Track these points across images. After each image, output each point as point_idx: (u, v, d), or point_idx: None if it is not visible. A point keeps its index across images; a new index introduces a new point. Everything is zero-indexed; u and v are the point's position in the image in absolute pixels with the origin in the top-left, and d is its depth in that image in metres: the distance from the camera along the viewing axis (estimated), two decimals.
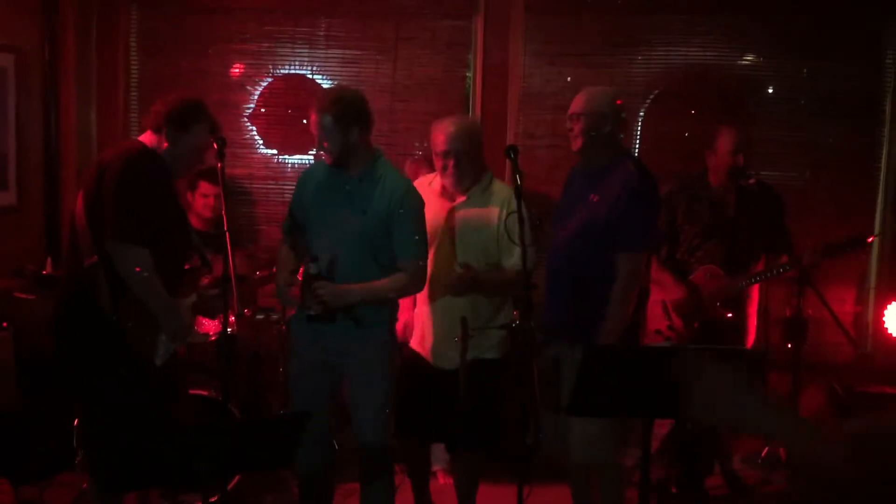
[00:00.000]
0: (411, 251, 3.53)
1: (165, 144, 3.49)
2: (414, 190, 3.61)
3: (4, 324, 4.28)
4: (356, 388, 3.61)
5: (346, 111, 3.43)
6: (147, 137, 3.53)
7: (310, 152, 5.50)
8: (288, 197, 5.48)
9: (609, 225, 3.60)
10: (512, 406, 3.79)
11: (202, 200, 4.74)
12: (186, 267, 3.69)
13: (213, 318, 4.24)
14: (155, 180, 3.43)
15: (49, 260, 4.96)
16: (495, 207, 3.78)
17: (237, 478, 4.19)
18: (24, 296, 4.52)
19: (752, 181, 4.35)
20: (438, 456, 4.60)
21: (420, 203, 3.58)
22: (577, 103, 3.75)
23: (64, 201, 5.33)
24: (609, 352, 3.26)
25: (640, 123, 5.34)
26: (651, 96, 5.34)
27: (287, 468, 4.30)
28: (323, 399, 3.61)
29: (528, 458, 3.35)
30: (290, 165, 5.55)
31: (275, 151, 5.55)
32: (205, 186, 4.70)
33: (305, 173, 3.80)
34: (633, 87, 5.30)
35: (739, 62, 5.38)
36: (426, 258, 3.62)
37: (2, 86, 4.94)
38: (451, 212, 3.81)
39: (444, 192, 3.84)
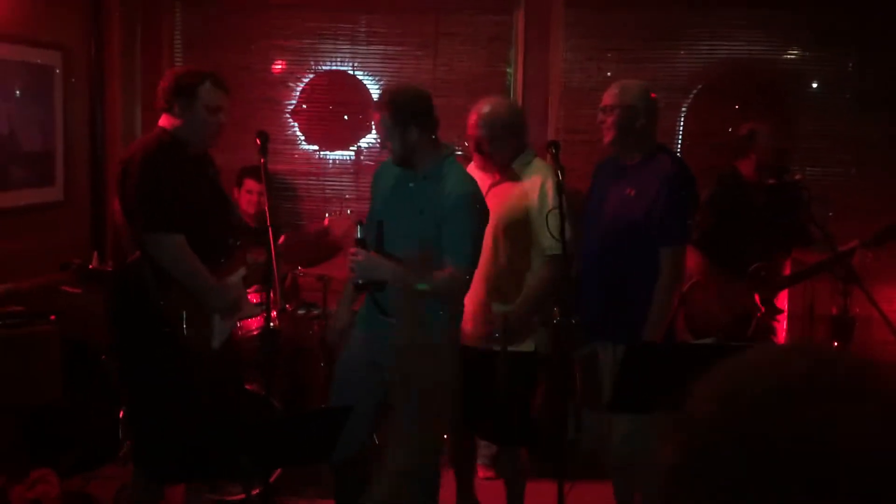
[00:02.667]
0: (455, 256, 3.36)
1: (181, 119, 3.48)
2: (474, 195, 3.42)
3: (52, 317, 4.35)
4: (402, 385, 3.49)
5: (404, 110, 3.36)
6: (164, 120, 3.54)
7: (351, 148, 5.53)
8: (329, 193, 5.58)
9: (649, 219, 3.57)
10: (551, 402, 3.78)
11: (247, 197, 4.77)
12: (231, 242, 3.69)
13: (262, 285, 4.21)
14: (175, 164, 3.43)
15: (95, 254, 5.03)
16: (534, 184, 3.68)
17: (279, 470, 4.22)
18: (70, 289, 4.59)
19: (798, 177, 4.29)
20: (480, 450, 4.59)
21: (477, 210, 3.41)
22: (610, 96, 3.72)
23: (109, 196, 5.41)
24: (652, 348, 3.24)
25: (682, 119, 5.30)
26: (694, 91, 5.29)
27: (327, 462, 4.33)
28: (365, 394, 3.56)
29: (569, 455, 3.34)
30: (331, 161, 5.58)
31: (316, 147, 5.58)
32: (249, 183, 4.74)
33: (379, 168, 3.72)
34: (675, 82, 5.25)
35: (783, 56, 5.30)
36: (471, 266, 3.43)
37: (49, 83, 5.02)
38: (487, 190, 3.76)
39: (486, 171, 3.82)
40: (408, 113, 3.37)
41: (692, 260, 4.06)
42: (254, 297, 4.35)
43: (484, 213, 3.47)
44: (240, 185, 4.81)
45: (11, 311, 4.33)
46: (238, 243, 3.70)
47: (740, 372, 0.85)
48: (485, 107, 3.76)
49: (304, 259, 4.76)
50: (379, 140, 3.47)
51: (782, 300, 4.51)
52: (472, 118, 3.75)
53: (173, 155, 3.43)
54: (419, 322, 3.44)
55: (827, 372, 0.82)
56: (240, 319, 3.71)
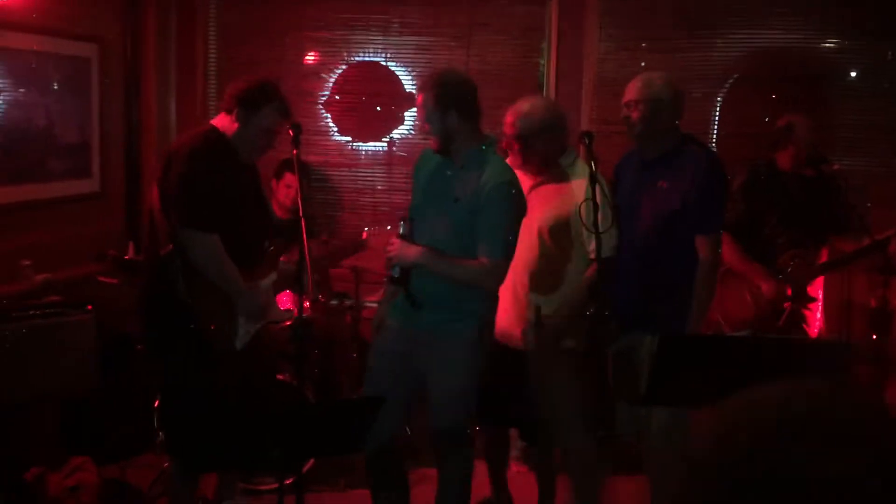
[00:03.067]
0: (488, 246, 3.32)
1: (237, 126, 3.50)
2: (510, 184, 3.37)
3: (89, 307, 4.39)
4: (434, 377, 3.51)
5: (446, 94, 3.34)
6: (220, 120, 3.56)
7: (383, 139, 5.53)
8: (361, 185, 5.59)
9: (685, 210, 3.54)
10: (585, 396, 3.76)
11: (285, 190, 4.77)
12: (265, 246, 3.71)
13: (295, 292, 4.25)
14: (221, 164, 3.44)
15: (131, 245, 5.08)
16: (579, 186, 3.61)
17: (311, 461, 4.25)
18: (106, 280, 4.63)
19: (835, 167, 4.25)
20: (513, 445, 4.59)
21: (512, 198, 3.37)
22: (633, 90, 3.68)
23: (144, 188, 5.47)
24: (686, 340, 3.21)
25: (717, 109, 5.23)
26: (730, 81, 5.23)
27: (360, 452, 4.35)
28: (398, 383, 3.55)
29: (603, 450, 3.32)
30: (363, 152, 5.59)
31: (349, 138, 5.59)
32: (290, 177, 4.74)
33: (420, 157, 3.69)
34: (711, 72, 5.19)
35: (821, 45, 5.22)
36: (506, 257, 3.39)
37: (86, 75, 5.07)
38: (530, 190, 3.75)
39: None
40: (450, 97, 3.34)
41: (723, 248, 4.03)
42: (285, 303, 4.38)
43: (520, 203, 3.44)
44: (279, 177, 4.82)
45: (49, 301, 4.38)
46: (272, 248, 3.72)
47: (739, 411, 0.85)
48: (522, 106, 3.72)
49: (337, 261, 4.78)
50: (418, 123, 3.46)
51: (817, 290, 4.47)
52: (509, 117, 3.72)
53: (218, 154, 3.45)
54: (451, 314, 3.43)
55: (825, 416, 0.81)
56: (266, 323, 3.71)
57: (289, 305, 4.45)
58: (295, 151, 3.47)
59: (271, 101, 3.52)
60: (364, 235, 4.54)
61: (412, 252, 3.38)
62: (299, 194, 3.43)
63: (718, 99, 5.23)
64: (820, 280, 4.49)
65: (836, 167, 4.27)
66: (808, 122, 4.34)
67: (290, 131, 3.51)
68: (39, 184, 4.77)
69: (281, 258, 3.76)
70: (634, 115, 3.66)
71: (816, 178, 4.32)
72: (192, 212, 3.35)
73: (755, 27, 5.18)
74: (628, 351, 3.60)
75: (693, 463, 0.84)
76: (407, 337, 3.51)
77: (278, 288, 3.74)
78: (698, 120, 5.01)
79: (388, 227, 5.14)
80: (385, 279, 3.64)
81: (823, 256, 4.46)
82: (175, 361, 3.52)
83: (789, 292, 4.25)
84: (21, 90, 4.61)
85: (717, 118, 5.24)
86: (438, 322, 3.44)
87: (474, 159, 3.39)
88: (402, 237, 3.41)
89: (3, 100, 4.49)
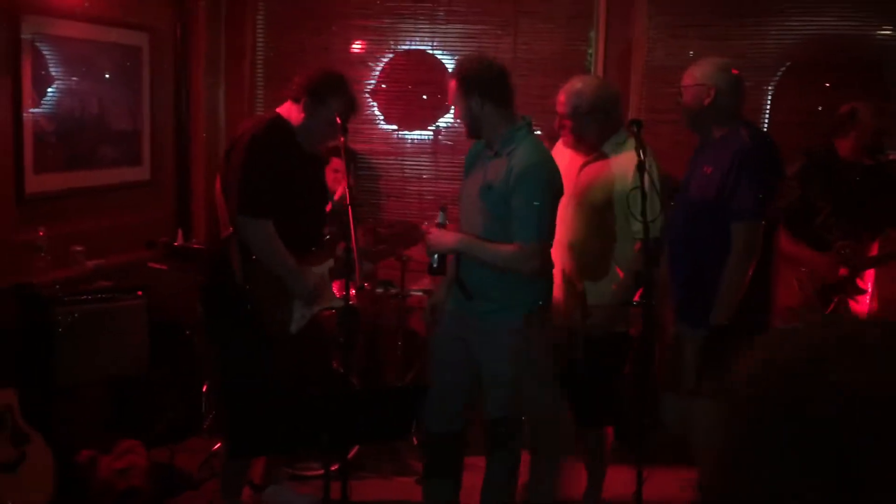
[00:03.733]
0: (521, 230, 3.31)
1: (303, 115, 3.53)
2: (539, 166, 3.36)
3: (139, 292, 4.46)
4: (487, 366, 3.51)
5: (471, 79, 3.36)
6: (286, 108, 3.59)
7: (429, 128, 5.53)
8: (408, 173, 5.60)
9: (721, 195, 3.47)
10: (631, 385, 3.73)
11: (332, 175, 4.80)
12: (323, 234, 3.74)
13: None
14: (282, 152, 3.48)
15: (179, 232, 5.15)
16: (627, 164, 3.56)
17: (356, 447, 4.27)
18: (156, 266, 4.70)
19: (893, 157, 4.18)
20: None
21: (545, 180, 3.35)
22: (688, 75, 3.65)
23: (193, 175, 5.53)
24: (733, 332, 3.17)
25: (770, 97, 5.14)
26: (783, 69, 5.13)
27: (404, 439, 4.37)
28: (458, 370, 3.57)
29: (649, 440, 3.29)
30: (409, 141, 5.59)
31: (395, 127, 5.59)
32: (336, 162, 4.77)
33: (471, 148, 3.68)
34: (763, 60, 5.09)
35: (877, 32, 5.10)
36: (542, 240, 3.38)
37: (137, 64, 5.14)
38: (580, 169, 3.73)
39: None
40: (473, 82, 3.36)
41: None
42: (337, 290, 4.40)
43: (554, 184, 3.41)
44: (326, 162, 4.85)
45: (101, 286, 4.46)
46: (329, 235, 3.75)
47: (773, 343, 0.87)
48: (574, 84, 3.72)
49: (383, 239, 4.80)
50: (454, 112, 3.49)
51: (866, 282, 4.38)
52: (561, 96, 3.72)
53: (280, 142, 3.48)
54: (498, 303, 3.43)
55: (857, 337, 0.82)
56: (321, 309, 3.74)
57: (336, 293, 4.46)
58: (342, 139, 3.48)
59: (340, 94, 3.55)
60: (424, 228, 4.55)
61: (448, 239, 3.42)
62: (347, 182, 3.44)
63: (770, 87, 5.14)
64: (870, 272, 4.40)
65: (893, 157, 4.19)
66: (872, 108, 4.25)
67: (338, 119, 3.53)
68: (92, 171, 4.85)
69: (340, 245, 3.78)
70: (685, 99, 3.62)
71: (874, 167, 4.24)
72: (250, 198, 3.39)
73: (809, 14, 5.07)
74: (678, 341, 3.56)
75: (736, 399, 0.85)
76: (463, 323, 3.53)
77: (335, 275, 3.75)
78: (750, 108, 4.92)
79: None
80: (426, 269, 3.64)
81: (874, 249, 4.37)
82: (232, 345, 3.56)
83: (841, 274, 4.17)
84: (74, 78, 4.69)
85: (768, 106, 5.14)
86: (487, 311, 3.45)
87: (506, 144, 3.39)
88: (440, 225, 3.43)
89: (58, 88, 4.57)
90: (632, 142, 3.65)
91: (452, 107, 3.46)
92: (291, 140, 3.53)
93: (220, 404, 4.13)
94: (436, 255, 3.46)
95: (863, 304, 4.39)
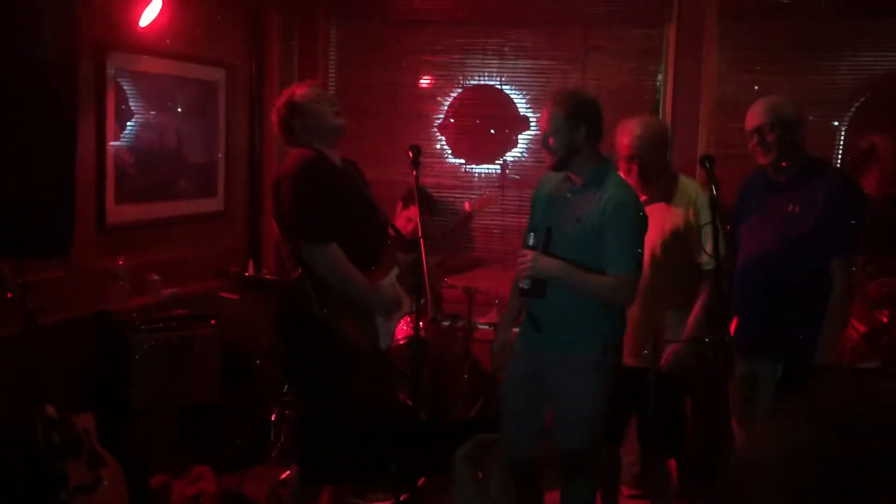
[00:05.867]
0: (617, 263, 3.31)
1: (310, 133, 3.61)
2: (632, 201, 3.38)
3: (212, 321, 4.55)
4: (562, 398, 3.49)
5: (578, 109, 3.34)
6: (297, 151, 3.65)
7: (497, 162, 5.57)
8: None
9: (818, 233, 3.45)
10: (702, 422, 3.69)
11: (405, 222, 4.83)
12: (381, 245, 3.76)
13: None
14: (324, 177, 3.53)
15: (251, 262, 5.26)
16: (687, 201, 3.69)
17: (424, 478, 4.28)
18: (228, 295, 4.80)
19: None
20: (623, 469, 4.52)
21: (636, 215, 3.37)
22: (759, 115, 3.62)
23: (265, 207, 5.64)
24: (812, 370, 3.12)
25: (843, 133, 5.08)
26: (856, 105, 5.07)
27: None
28: (529, 406, 3.55)
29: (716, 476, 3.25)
30: (477, 175, 5.64)
31: (463, 161, 5.65)
32: (413, 210, 4.78)
33: (541, 181, 3.69)
34: (834, 96, 5.04)
35: None
36: (636, 273, 3.37)
37: (214, 98, 5.28)
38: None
39: None
40: (582, 112, 3.35)
41: None
42: (401, 326, 4.43)
43: (644, 220, 3.43)
44: (406, 205, 4.92)
45: (176, 314, 4.56)
46: (387, 245, 3.79)
47: (833, 398, 0.89)
48: (637, 128, 3.72)
49: (451, 268, 4.82)
50: (540, 135, 3.45)
51: None
52: (625, 140, 3.72)
53: (320, 167, 3.55)
54: (576, 335, 3.42)
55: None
56: (403, 316, 3.77)
57: (404, 328, 4.50)
58: (414, 172, 3.53)
59: (317, 100, 3.68)
60: (467, 207, 4.60)
61: (550, 264, 3.37)
62: (419, 217, 3.48)
63: (842, 123, 5.07)
64: None
65: None
66: (892, 141, 4.20)
67: (410, 153, 3.57)
68: (169, 202, 4.98)
69: (397, 251, 3.82)
70: (769, 138, 3.59)
71: None
72: (308, 227, 3.44)
73: (884, 49, 5.01)
74: (751, 377, 3.52)
75: (791, 446, 0.87)
76: (535, 360, 3.51)
77: (403, 280, 3.78)
78: (820, 145, 4.87)
79: (487, 193, 5.28)
80: (513, 300, 3.63)
81: None
82: (309, 375, 3.60)
83: (885, 319, 4.08)
84: (154, 112, 4.84)
85: (841, 143, 5.07)
86: (563, 343, 3.43)
87: (595, 178, 3.38)
88: (534, 247, 3.39)
89: (138, 121, 4.72)
90: (683, 178, 3.75)
91: (544, 131, 3.42)
92: (326, 163, 3.58)
93: (294, 433, 4.16)
94: (528, 280, 3.43)
95: None
